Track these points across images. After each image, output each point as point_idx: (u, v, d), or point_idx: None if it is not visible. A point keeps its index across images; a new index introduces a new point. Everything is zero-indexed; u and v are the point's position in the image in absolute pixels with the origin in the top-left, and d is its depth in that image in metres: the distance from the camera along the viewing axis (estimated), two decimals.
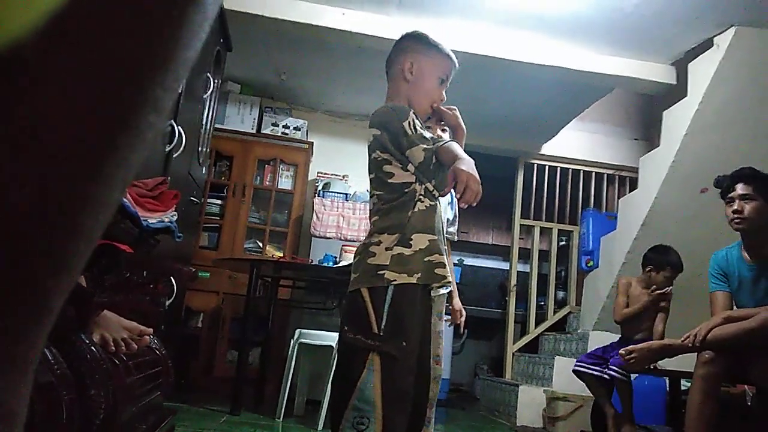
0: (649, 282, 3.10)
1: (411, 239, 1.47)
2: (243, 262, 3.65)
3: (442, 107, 1.72)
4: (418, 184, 1.52)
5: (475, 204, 1.37)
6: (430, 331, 1.59)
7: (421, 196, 1.53)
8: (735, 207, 2.44)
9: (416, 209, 1.51)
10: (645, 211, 3.67)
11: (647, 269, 3.12)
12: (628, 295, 3.15)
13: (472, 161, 1.42)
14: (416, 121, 1.53)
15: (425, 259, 1.48)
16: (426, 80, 1.64)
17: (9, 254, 0.28)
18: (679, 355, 2.59)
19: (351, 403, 1.35)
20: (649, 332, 3.10)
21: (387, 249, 1.45)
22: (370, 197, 1.59)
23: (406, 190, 1.51)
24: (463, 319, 2.53)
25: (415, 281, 1.45)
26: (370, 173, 1.58)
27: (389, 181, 1.52)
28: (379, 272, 1.42)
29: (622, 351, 2.64)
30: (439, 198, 2.47)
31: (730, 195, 2.48)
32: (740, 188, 2.46)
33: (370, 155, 1.57)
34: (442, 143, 1.53)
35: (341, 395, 1.39)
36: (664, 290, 3.00)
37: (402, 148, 1.50)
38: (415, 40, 1.66)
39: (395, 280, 1.42)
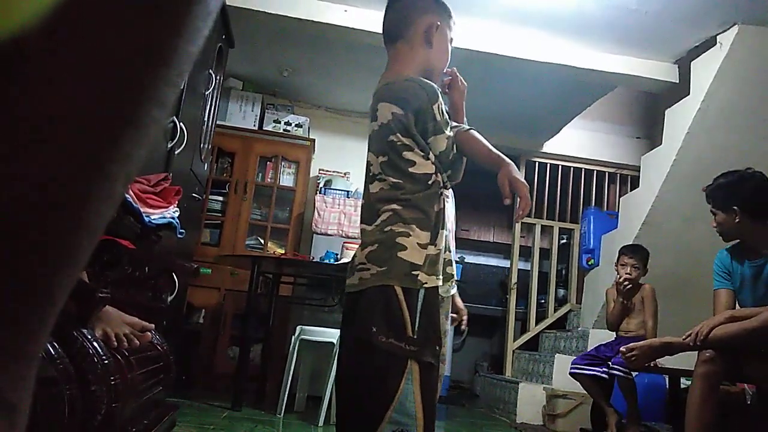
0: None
1: (438, 237, 1.36)
2: (244, 259, 3.66)
3: (460, 79, 1.60)
4: (438, 174, 1.39)
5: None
6: None
7: (443, 189, 1.40)
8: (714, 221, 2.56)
9: (442, 205, 1.39)
10: (646, 209, 3.67)
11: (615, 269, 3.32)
12: (614, 301, 3.26)
13: (514, 165, 1.35)
14: (443, 104, 1.39)
15: (443, 258, 1.39)
16: (445, 48, 1.51)
17: (12, 249, 0.28)
18: (680, 353, 2.59)
19: (388, 416, 1.22)
20: (639, 328, 3.13)
21: (420, 246, 1.32)
22: (377, 179, 1.40)
23: (430, 182, 1.37)
24: (466, 318, 2.54)
25: (440, 283, 1.36)
26: (380, 154, 1.39)
27: (410, 170, 1.35)
28: (413, 272, 1.30)
29: (622, 349, 2.64)
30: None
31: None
32: (710, 205, 2.57)
33: (385, 135, 1.37)
34: (462, 130, 1.42)
35: (373, 406, 1.25)
36: (620, 276, 3.15)
37: (426, 133, 1.36)
38: (433, 0, 1.50)
39: (426, 283, 1.31)
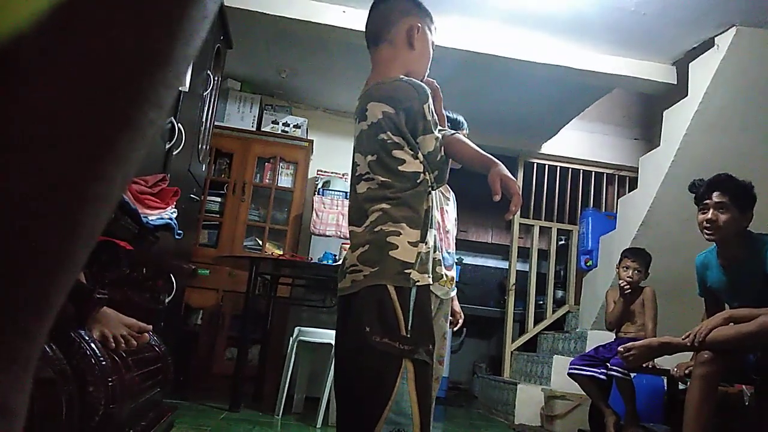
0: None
1: (427, 235, 1.36)
2: (242, 260, 3.65)
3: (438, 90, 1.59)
4: (427, 173, 1.40)
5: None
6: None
7: (430, 189, 1.41)
8: (709, 216, 2.38)
9: (430, 203, 1.40)
10: (644, 210, 3.67)
11: (616, 271, 3.32)
12: (614, 303, 3.26)
13: (502, 164, 1.36)
14: (432, 105, 1.40)
15: (432, 257, 1.40)
16: (427, 50, 1.52)
17: (9, 251, 0.28)
18: (677, 354, 2.60)
19: (385, 416, 1.22)
20: (639, 330, 3.14)
21: (411, 244, 1.32)
22: (364, 179, 1.40)
23: (419, 180, 1.37)
24: (462, 321, 2.54)
25: (431, 281, 1.37)
26: (368, 153, 1.39)
27: (400, 168, 1.36)
28: (405, 271, 1.30)
29: (620, 348, 2.64)
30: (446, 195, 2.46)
31: (705, 202, 2.42)
32: (716, 196, 2.38)
33: (375, 133, 1.37)
34: (448, 134, 1.44)
35: (370, 407, 1.25)
36: (621, 279, 3.15)
37: (416, 132, 1.37)
38: (414, 4, 1.51)
39: (419, 281, 1.31)
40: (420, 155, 1.39)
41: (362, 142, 1.42)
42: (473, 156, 1.41)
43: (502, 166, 1.35)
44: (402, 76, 1.42)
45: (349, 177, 1.49)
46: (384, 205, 1.34)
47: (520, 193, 1.33)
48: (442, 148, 1.41)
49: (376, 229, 1.33)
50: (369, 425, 1.23)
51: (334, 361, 1.45)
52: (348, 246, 1.43)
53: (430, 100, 1.40)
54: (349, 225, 1.43)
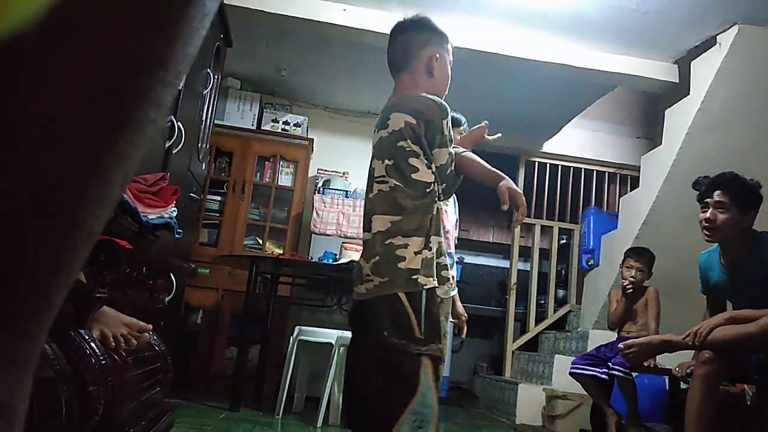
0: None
1: (430, 242, 1.48)
2: (243, 259, 3.65)
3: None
4: (436, 184, 1.52)
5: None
6: None
7: (437, 199, 1.53)
8: (708, 215, 2.36)
9: (435, 212, 1.51)
10: (646, 209, 3.67)
11: (619, 271, 3.32)
12: (617, 302, 3.26)
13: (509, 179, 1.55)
14: (450, 122, 1.54)
15: (437, 262, 1.50)
16: (446, 74, 1.63)
17: (9, 250, 0.28)
18: (679, 353, 2.59)
19: (411, 408, 1.35)
20: (641, 330, 3.13)
21: (416, 253, 1.44)
22: (376, 181, 1.51)
23: (428, 190, 1.49)
24: (465, 326, 2.55)
25: (437, 284, 1.48)
26: (386, 158, 1.49)
27: (413, 176, 1.47)
28: (413, 277, 1.42)
29: (621, 345, 2.63)
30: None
31: (706, 200, 2.39)
32: (717, 195, 2.35)
33: (395, 140, 1.48)
34: (460, 152, 1.58)
35: (396, 401, 1.37)
36: (625, 279, 3.15)
37: (433, 144, 1.49)
38: (431, 31, 1.63)
39: (426, 285, 1.44)
40: (433, 166, 1.51)
41: (381, 149, 1.52)
42: (483, 172, 1.58)
43: (510, 180, 1.53)
44: (425, 93, 1.54)
45: (363, 177, 1.64)
46: (396, 218, 1.46)
47: (526, 205, 1.51)
48: (453, 163, 1.54)
49: (386, 242, 1.45)
50: (393, 416, 1.35)
51: (350, 360, 1.55)
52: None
53: (449, 117, 1.52)
54: (363, 232, 1.54)
